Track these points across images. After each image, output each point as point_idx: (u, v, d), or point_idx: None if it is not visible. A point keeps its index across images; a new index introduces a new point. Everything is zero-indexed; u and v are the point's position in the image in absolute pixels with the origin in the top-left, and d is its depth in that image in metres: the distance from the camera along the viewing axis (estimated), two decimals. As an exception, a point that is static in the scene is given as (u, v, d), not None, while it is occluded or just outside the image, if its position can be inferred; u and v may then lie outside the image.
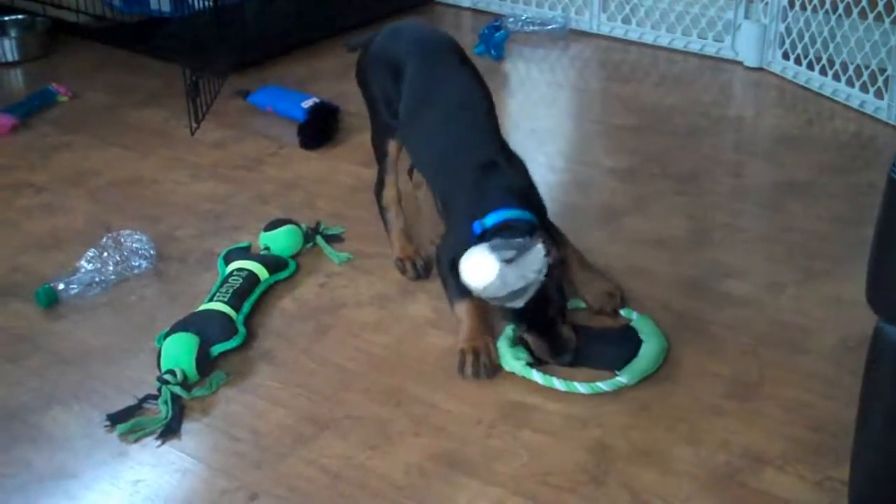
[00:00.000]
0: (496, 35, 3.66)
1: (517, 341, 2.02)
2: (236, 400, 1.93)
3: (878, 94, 3.08)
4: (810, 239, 2.45)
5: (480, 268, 1.84)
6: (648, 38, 3.75)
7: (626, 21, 3.82)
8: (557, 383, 1.92)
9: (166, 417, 1.86)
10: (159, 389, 1.91)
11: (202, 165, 2.87)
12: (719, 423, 1.84)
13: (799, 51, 3.36)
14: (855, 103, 3.16)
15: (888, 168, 1.33)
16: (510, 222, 1.95)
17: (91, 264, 2.29)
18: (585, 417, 1.86)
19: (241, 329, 2.07)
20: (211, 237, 2.49)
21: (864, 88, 3.13)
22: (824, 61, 3.27)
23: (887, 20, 3.04)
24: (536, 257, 1.85)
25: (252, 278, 2.22)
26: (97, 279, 2.27)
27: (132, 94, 3.37)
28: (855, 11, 3.14)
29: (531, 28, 3.88)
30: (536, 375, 1.94)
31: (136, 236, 2.37)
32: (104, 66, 3.62)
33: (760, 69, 3.48)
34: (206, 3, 3.26)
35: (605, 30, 3.85)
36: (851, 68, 3.18)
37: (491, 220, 1.96)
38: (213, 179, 2.79)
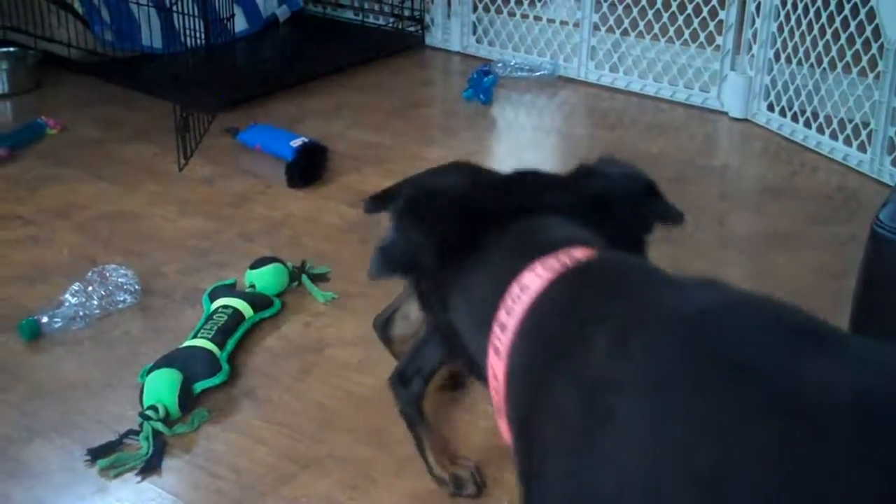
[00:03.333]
0: (485, 80, 3.69)
1: None
2: (218, 437, 1.92)
3: (861, 148, 3.12)
4: (793, 289, 2.47)
5: None
6: (635, 87, 3.79)
7: (613, 69, 3.86)
8: None
9: (147, 453, 1.85)
10: (141, 425, 1.90)
11: (190, 202, 2.88)
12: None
13: (784, 103, 3.40)
14: (839, 156, 3.19)
15: (871, 220, 1.35)
16: None
17: (76, 298, 2.29)
18: (567, 462, 1.86)
19: (225, 366, 2.07)
20: (196, 273, 2.49)
21: (847, 142, 3.17)
22: (808, 114, 3.31)
23: (871, 75, 3.08)
24: None
25: (237, 316, 2.22)
26: (81, 313, 2.27)
27: (121, 129, 3.38)
28: (839, 66, 3.18)
29: (520, 74, 3.92)
30: None
31: (122, 271, 2.37)
32: (94, 100, 3.63)
33: (746, 120, 3.51)
34: (198, 41, 3.28)
35: (592, 77, 3.89)
36: (835, 121, 3.22)
37: None
38: (201, 216, 2.79)
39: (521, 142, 3.46)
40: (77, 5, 3.77)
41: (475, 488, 1.78)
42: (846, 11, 3.11)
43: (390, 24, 4.32)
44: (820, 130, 3.27)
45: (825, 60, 3.21)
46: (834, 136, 3.22)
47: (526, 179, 1.33)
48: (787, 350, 0.91)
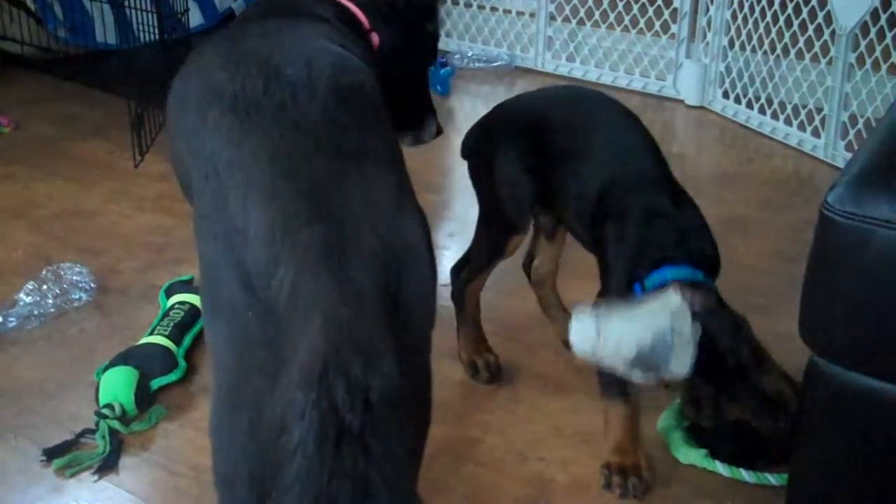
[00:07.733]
0: (442, 71, 3.69)
1: (690, 430, 1.81)
2: (176, 434, 1.91)
3: (815, 133, 3.15)
4: (750, 274, 2.49)
5: (575, 328, 1.63)
6: (592, 76, 3.80)
7: (570, 59, 3.87)
8: (746, 475, 1.76)
9: (104, 452, 1.83)
10: (97, 424, 1.88)
11: (146, 198, 2.86)
12: (658, 456, 1.85)
13: (739, 90, 3.42)
14: (793, 141, 3.22)
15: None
16: (678, 283, 1.70)
17: (30, 297, 2.27)
18: (526, 451, 1.87)
19: (182, 363, 2.06)
20: (153, 270, 2.47)
21: (801, 127, 3.20)
22: (763, 100, 3.33)
23: (823, 61, 3.11)
24: (665, 305, 1.59)
25: (194, 311, 2.20)
26: (36, 312, 2.25)
27: (76, 126, 3.35)
28: (792, 52, 3.21)
29: (477, 65, 3.92)
30: (721, 468, 1.78)
31: (77, 269, 2.35)
32: (48, 97, 3.60)
33: (701, 107, 3.54)
34: (152, 36, 3.25)
35: (549, 67, 3.90)
36: (789, 107, 3.25)
37: (653, 280, 1.74)
38: (157, 212, 2.77)
39: (480, 133, 3.46)
40: (29, 2, 3.72)
41: (488, 375, 2.06)
42: (798, -2, 3.14)
43: (347, 17, 4.30)
44: (774, 116, 3.30)
45: (778, 47, 3.24)
46: (788, 122, 3.25)
47: None
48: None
